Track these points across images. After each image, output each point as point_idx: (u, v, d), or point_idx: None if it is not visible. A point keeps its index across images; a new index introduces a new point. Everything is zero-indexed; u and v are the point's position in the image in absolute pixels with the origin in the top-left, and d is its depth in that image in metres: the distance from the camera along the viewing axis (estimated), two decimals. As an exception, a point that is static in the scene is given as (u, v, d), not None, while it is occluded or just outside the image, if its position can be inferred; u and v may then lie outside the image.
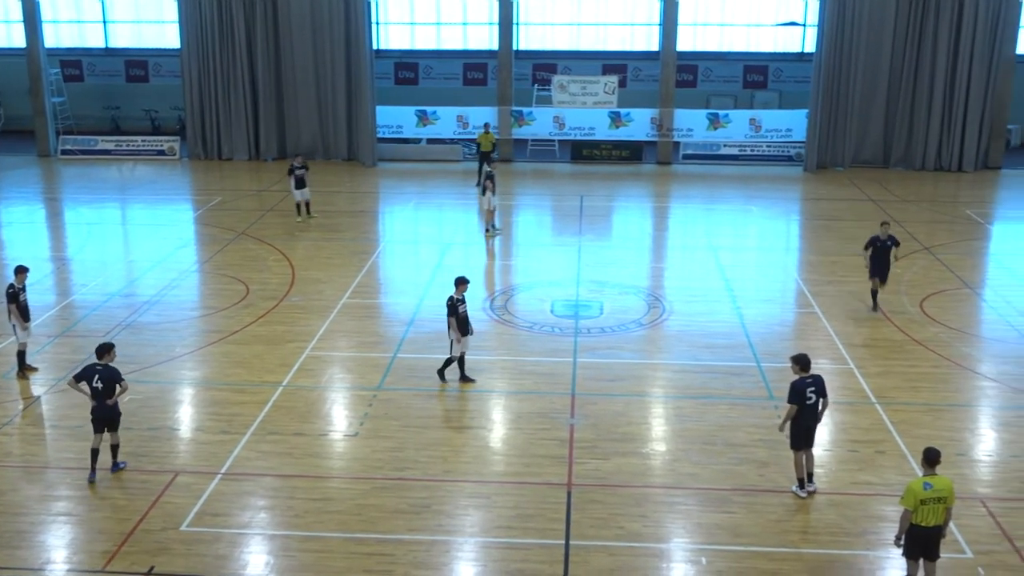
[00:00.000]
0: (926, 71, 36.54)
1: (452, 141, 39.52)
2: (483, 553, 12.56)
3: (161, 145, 39.78)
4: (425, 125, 39.50)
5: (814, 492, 13.90)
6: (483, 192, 27.51)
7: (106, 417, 14.04)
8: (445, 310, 17.21)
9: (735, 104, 41.77)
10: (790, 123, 38.53)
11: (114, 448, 14.31)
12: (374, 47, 38.82)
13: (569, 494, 13.86)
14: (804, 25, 41.89)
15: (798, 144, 38.24)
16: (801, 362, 13.81)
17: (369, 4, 37.50)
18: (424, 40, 44.01)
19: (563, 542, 12.70)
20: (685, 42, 40.15)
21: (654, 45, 40.72)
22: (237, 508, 13.48)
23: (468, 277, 17.76)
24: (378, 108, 38.24)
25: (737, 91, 43.05)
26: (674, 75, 38.37)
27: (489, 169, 27.95)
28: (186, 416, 16.41)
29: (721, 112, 39.13)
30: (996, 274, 24.63)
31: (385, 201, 33.36)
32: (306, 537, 12.80)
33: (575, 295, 22.50)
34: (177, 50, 38.97)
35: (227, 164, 38.40)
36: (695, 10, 41.47)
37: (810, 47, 39.96)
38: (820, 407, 13.75)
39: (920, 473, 11.34)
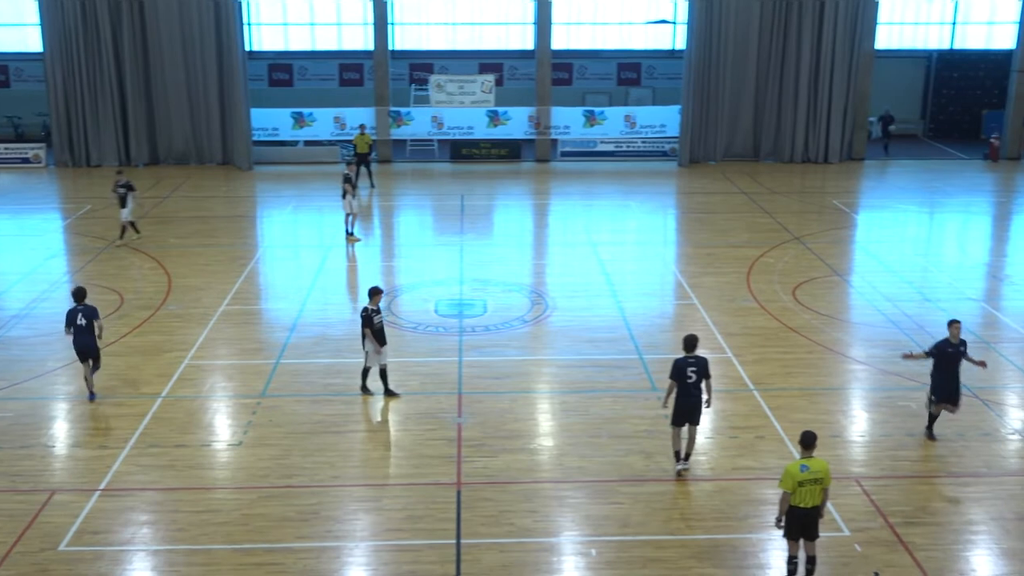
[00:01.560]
0: (791, 67, 37.73)
1: (330, 143, 39.10)
2: (374, 557, 12.51)
3: (26, 152, 38.28)
4: (301, 127, 39.00)
5: (686, 471, 14.34)
6: (344, 195, 27.09)
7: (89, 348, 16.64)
8: (339, 314, 17.06)
9: (610, 101, 42.41)
10: (664, 119, 39.30)
11: (95, 369, 16.94)
12: (247, 48, 38.12)
13: (459, 493, 13.90)
14: (674, 23, 42.76)
15: (672, 140, 39.03)
16: (686, 342, 14.30)
17: (240, 5, 36.83)
18: (298, 41, 43.41)
19: (454, 541, 12.73)
20: (559, 40, 40.58)
21: (529, 44, 40.98)
22: (118, 525, 13.12)
23: (381, 287, 17.31)
24: (253, 110, 37.57)
25: (611, 88, 43.71)
26: (550, 73, 38.75)
27: (348, 172, 27.48)
28: (61, 432, 15.87)
29: (597, 109, 39.68)
30: (863, 261, 25.60)
31: (263, 205, 32.83)
32: (191, 551, 12.53)
33: (459, 294, 22.55)
34: (40, 54, 37.56)
35: (96, 171, 37.17)
36: (568, 9, 41.93)
37: (681, 44, 40.81)
38: (703, 387, 14.19)
39: (798, 456, 11.73)
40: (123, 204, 26.28)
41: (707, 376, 14.26)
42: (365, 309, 16.70)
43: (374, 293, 16.86)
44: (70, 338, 16.73)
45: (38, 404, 16.74)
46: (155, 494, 13.90)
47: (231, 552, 12.49)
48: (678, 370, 14.14)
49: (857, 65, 37.75)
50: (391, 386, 17.03)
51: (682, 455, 14.38)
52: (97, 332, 16.80)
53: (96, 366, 17.00)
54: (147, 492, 13.93)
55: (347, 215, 27.21)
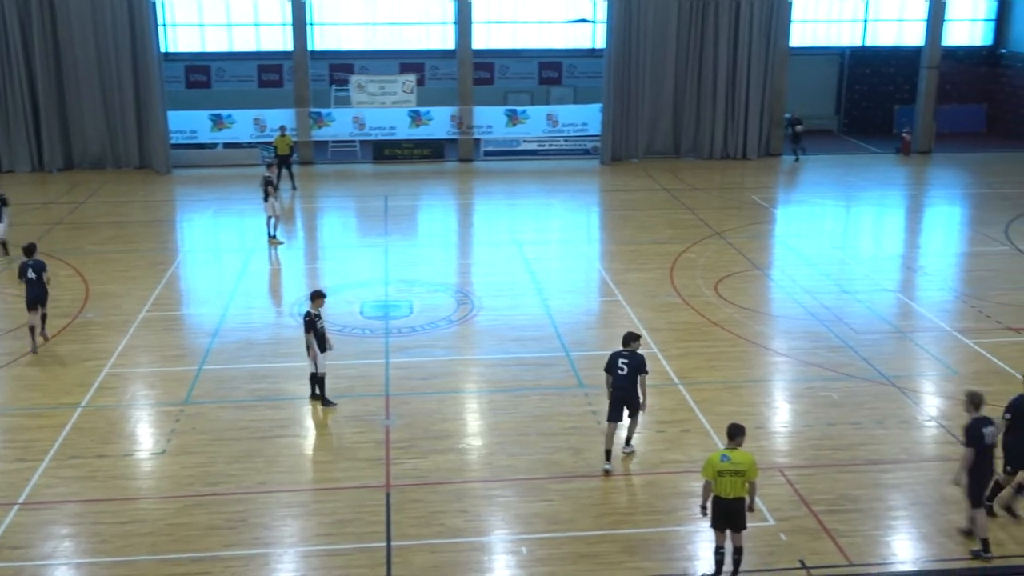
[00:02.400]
0: (709, 65, 38.27)
1: (250, 145, 38.57)
2: (304, 562, 12.39)
3: (-69, 159, 37.10)
4: (220, 129, 38.42)
5: (632, 453, 14.90)
6: (265, 198, 26.77)
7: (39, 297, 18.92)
8: (263, 319, 16.85)
9: (532, 100, 42.55)
10: (585, 117, 39.56)
11: (43, 317, 19.15)
12: (162, 50, 37.44)
13: (388, 495, 13.84)
14: (594, 22, 43.05)
15: (594, 138, 39.30)
16: (624, 338, 14.76)
17: (154, 5, 36.16)
18: (215, 42, 42.73)
19: (384, 544, 12.68)
20: (480, 40, 40.57)
21: (450, 43, 40.91)
22: (39, 539, 12.80)
23: (324, 291, 17.09)
24: (170, 113, 36.87)
25: (533, 87, 43.85)
26: (471, 73, 38.75)
27: (268, 174, 27.12)
28: (-24, 446, 15.45)
29: (519, 109, 39.79)
30: (782, 255, 26.06)
31: (183, 209, 32.29)
32: (116, 563, 12.29)
33: (384, 296, 22.44)
34: (-56, 57, 36.44)
35: (7, 177, 36.11)
36: (489, 8, 41.96)
37: (601, 43, 41.09)
38: (636, 380, 14.42)
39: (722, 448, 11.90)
40: None
41: (642, 372, 14.47)
42: (308, 314, 16.47)
43: (317, 296, 16.63)
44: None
45: (-49, 417, 16.27)
46: (76, 506, 13.59)
47: (157, 563, 12.27)
48: (611, 362, 14.51)
49: (773, 63, 38.45)
50: (327, 396, 16.77)
51: (611, 454, 14.50)
52: (46, 280, 19.15)
53: (44, 313, 19.23)
54: (68, 504, 13.63)
55: (269, 218, 26.90)
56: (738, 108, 38.57)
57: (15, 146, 36.44)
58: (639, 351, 14.71)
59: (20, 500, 13.67)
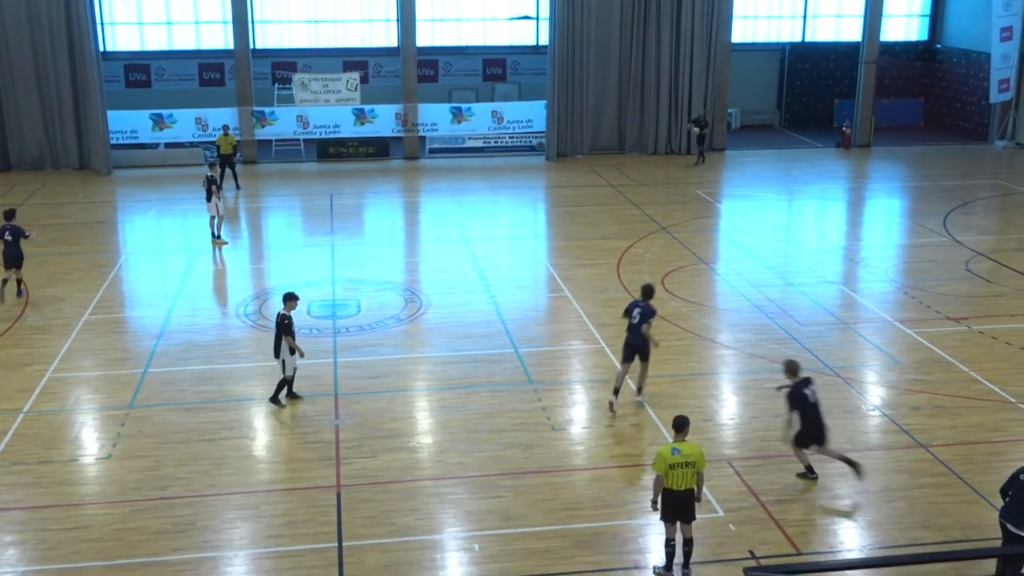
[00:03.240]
0: (652, 60, 38.52)
1: (192, 144, 38.09)
2: (254, 565, 12.31)
3: None
4: (162, 129, 37.89)
5: (643, 402, 16.50)
6: (208, 198, 26.48)
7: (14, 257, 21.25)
8: (208, 320, 16.66)
9: (477, 97, 42.50)
10: (530, 114, 39.60)
11: (19, 282, 21.54)
12: (100, 48, 36.83)
13: (339, 495, 13.79)
14: (537, 19, 43.12)
15: (539, 134, 39.37)
16: (643, 290, 16.78)
17: (91, 3, 35.56)
18: (155, 40, 42.15)
19: (336, 544, 12.63)
20: (424, 37, 40.48)
21: (393, 41, 40.80)
22: (-19, 547, 12.58)
23: (297, 294, 16.95)
24: (109, 112, 36.28)
25: (478, 84, 43.79)
26: (415, 70, 38.62)
27: (211, 174, 26.84)
28: (-85, 454, 15.11)
29: (464, 106, 39.72)
30: (727, 248, 26.33)
31: (124, 210, 31.80)
32: (62, 570, 12.12)
33: (331, 295, 22.32)
34: None
35: (-58, 179, 35.43)
36: (432, 5, 41.87)
37: (544, 40, 41.18)
38: (643, 327, 16.21)
39: (672, 441, 12.01)
40: None
41: (650, 316, 16.29)
42: (281, 316, 16.37)
43: (290, 299, 16.53)
44: None
45: None
46: (20, 513, 13.37)
47: (105, 568, 12.11)
48: (627, 310, 16.61)
49: (715, 58, 38.78)
50: (281, 396, 16.69)
51: (619, 391, 16.26)
52: (28, 234, 21.76)
53: (19, 272, 21.64)
54: (11, 512, 13.39)
55: (212, 217, 26.62)
56: (681, 103, 38.86)
57: (-51, 147, 35.64)
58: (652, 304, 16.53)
59: (-38, 509, 13.41)
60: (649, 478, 13.58)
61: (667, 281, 22.96)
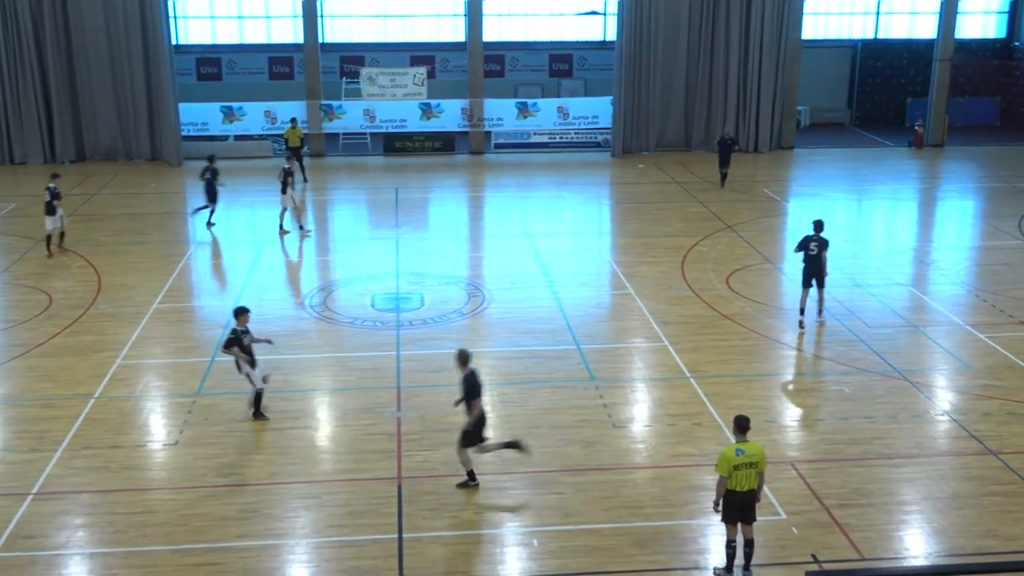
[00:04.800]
0: (720, 56, 38.18)
1: (261, 137, 38.65)
2: (316, 554, 12.43)
3: (-56, 150, 37.25)
4: (232, 121, 38.49)
5: (823, 323, 19.63)
6: (284, 190, 26.81)
7: None
8: (274, 310, 16.85)
9: (542, 93, 42.49)
10: (596, 110, 39.50)
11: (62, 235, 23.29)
12: (173, 42, 37.49)
13: (400, 487, 13.87)
14: (605, 14, 42.97)
15: (604, 130, 39.25)
16: (815, 225, 19.88)
17: (165, -2, 36.26)
18: (226, 34, 42.81)
19: (396, 536, 12.71)
20: (491, 32, 40.58)
21: (461, 36, 40.93)
22: (52, 528, 12.86)
23: (248, 307, 16.21)
24: (181, 105, 36.98)
25: (544, 80, 43.79)
26: (482, 65, 38.72)
27: (287, 166, 27.24)
28: (-10, 436, 15.53)
29: (529, 101, 39.75)
30: (793, 248, 25.93)
31: (194, 201, 32.28)
32: (129, 553, 12.34)
33: (395, 288, 22.46)
34: (-43, 49, 36.56)
35: (20, 168, 36.32)
36: (499, 0, 41.93)
37: (611, 35, 41.02)
38: (824, 258, 19.42)
39: (734, 441, 11.88)
40: (50, 211, 24.71)
41: (825, 249, 19.45)
42: (233, 331, 15.75)
43: (241, 313, 15.86)
44: None
45: (-35, 408, 16.35)
46: (90, 496, 13.65)
47: (170, 553, 12.33)
48: (802, 243, 19.63)
49: (785, 55, 38.32)
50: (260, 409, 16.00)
51: (804, 311, 19.57)
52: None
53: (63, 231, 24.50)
54: (82, 495, 13.69)
55: (284, 209, 26.92)
56: (750, 101, 38.46)
57: (28, 138, 36.58)
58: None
59: (34, 490, 13.73)
60: (710, 478, 13.46)
61: (732, 280, 22.74)
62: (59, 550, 12.43)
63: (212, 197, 27.89)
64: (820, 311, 19.90)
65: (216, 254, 26.16)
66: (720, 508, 11.74)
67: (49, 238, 24.94)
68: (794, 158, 38.22)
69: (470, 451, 13.79)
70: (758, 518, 11.83)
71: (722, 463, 11.53)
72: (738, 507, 11.64)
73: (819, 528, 12.87)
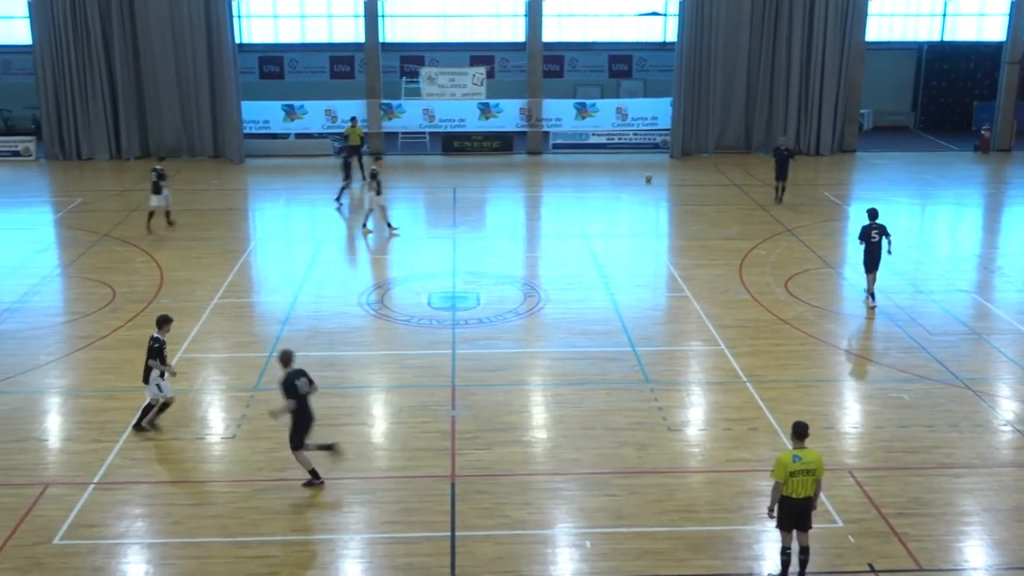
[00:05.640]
0: (783, 58, 37.78)
1: (321, 135, 39.04)
2: (369, 549, 12.51)
3: (16, 146, 38.15)
4: (293, 120, 38.91)
5: (874, 307, 20.63)
6: (368, 190, 27.01)
7: None
8: (332, 308, 16.93)
9: (601, 93, 42.40)
10: (655, 111, 39.31)
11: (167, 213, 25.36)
12: (237, 41, 38.01)
13: (453, 485, 13.91)
14: (665, 15, 42.75)
15: (664, 132, 39.05)
16: (869, 213, 21.07)
17: (230, -3, 36.76)
18: (288, 33, 43.31)
19: (449, 534, 12.74)
20: (551, 33, 40.56)
21: (520, 36, 40.98)
22: (112, 518, 13.10)
23: (171, 316, 15.86)
24: (244, 103, 37.47)
25: (603, 81, 43.70)
26: (541, 66, 38.73)
27: (375, 167, 27.44)
28: (54, 426, 15.84)
29: (588, 102, 39.68)
30: (855, 253, 25.50)
31: (255, 198, 32.76)
32: (186, 544, 12.53)
33: (451, 287, 22.54)
34: (28, 46, 37.42)
35: (87, 164, 37.10)
36: (559, 1, 41.90)
37: (672, 36, 40.80)
38: (884, 245, 20.57)
39: (790, 447, 11.74)
40: (155, 191, 26.90)
41: (888, 235, 20.61)
42: (156, 339, 15.23)
43: (164, 322, 15.45)
44: None
45: (31, 398, 16.70)
46: (149, 487, 13.88)
47: (226, 545, 12.48)
48: (864, 232, 20.75)
49: (848, 57, 37.82)
50: (154, 419, 15.54)
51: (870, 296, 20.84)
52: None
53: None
54: (141, 485, 13.91)
55: (382, 208, 27.08)
56: (812, 103, 38.02)
57: (95, 135, 37.33)
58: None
59: (95, 480, 13.99)
60: (765, 483, 13.32)
61: (791, 284, 22.49)
62: (118, 539, 12.65)
63: (347, 175, 29.60)
64: (873, 293, 20.88)
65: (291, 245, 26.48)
66: (775, 514, 11.61)
67: (151, 215, 26.97)
68: (856, 162, 37.70)
69: (303, 452, 13.86)
70: (814, 525, 11.69)
71: (778, 469, 11.40)
72: (794, 514, 11.51)
73: (876, 537, 12.67)
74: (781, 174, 30.07)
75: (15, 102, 41.87)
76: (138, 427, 15.46)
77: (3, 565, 11.99)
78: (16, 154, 37.90)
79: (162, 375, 15.34)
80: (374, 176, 27.03)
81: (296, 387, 13.63)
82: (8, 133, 40.90)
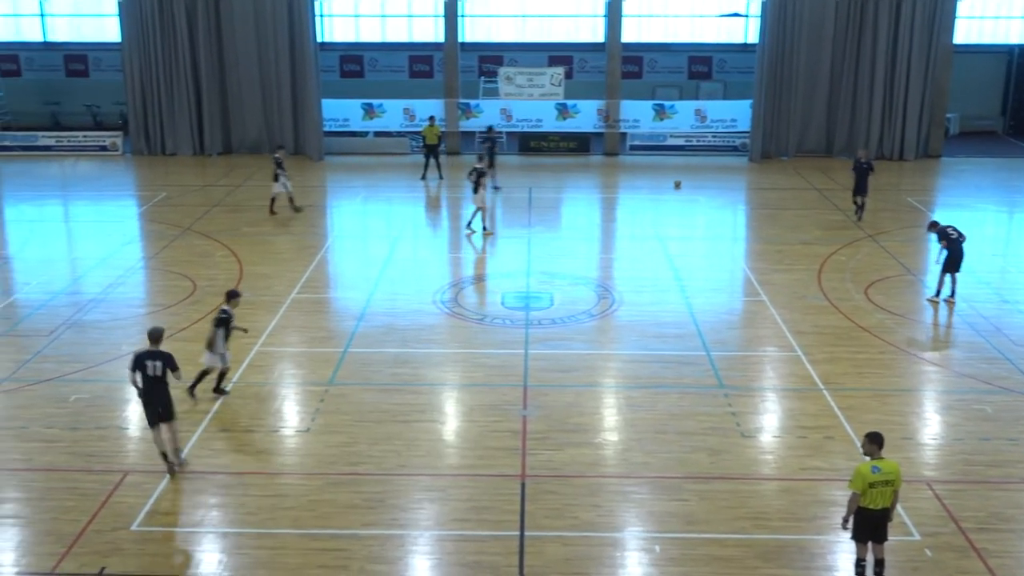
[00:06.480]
0: (867, 61, 37.09)
1: (399, 134, 39.37)
2: (438, 546, 12.57)
3: (103, 141, 39.16)
4: (372, 118, 39.31)
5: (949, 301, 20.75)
6: (475, 190, 27.11)
7: None
8: (407, 305, 17.05)
9: (680, 95, 42.06)
10: (735, 113, 38.89)
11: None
12: (318, 40, 38.51)
13: (523, 485, 13.91)
14: (747, 16, 42.27)
15: (743, 134, 38.62)
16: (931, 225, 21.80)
17: (313, -3, 37.26)
18: (369, 33, 43.76)
19: (518, 533, 12.74)
20: (630, 33, 40.36)
21: (599, 36, 40.85)
22: (189, 506, 13.36)
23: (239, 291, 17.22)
24: (324, 101, 37.95)
25: (682, 82, 43.36)
26: (620, 66, 38.55)
27: (479, 166, 27.48)
28: (135, 415, 16.15)
29: (667, 103, 39.40)
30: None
31: (333, 195, 33.14)
32: (259, 534, 12.71)
33: (525, 287, 22.55)
34: (117, 44, 38.37)
35: (171, 159, 37.92)
36: (639, 1, 41.67)
37: (753, 38, 40.33)
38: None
39: (867, 458, 11.50)
40: (275, 179, 28.58)
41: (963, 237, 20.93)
42: (224, 311, 16.39)
43: (233, 296, 16.73)
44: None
45: (113, 387, 17.10)
46: (225, 477, 14.12)
47: (298, 537, 12.65)
48: (942, 234, 21.12)
49: (935, 60, 36.96)
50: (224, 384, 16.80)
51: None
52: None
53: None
54: (217, 475, 14.16)
55: (477, 210, 27.20)
56: (896, 107, 37.27)
57: (179, 131, 38.14)
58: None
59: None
60: (840, 493, 13.12)
61: (871, 291, 22.07)
62: (194, 527, 12.90)
63: (492, 162, 30.83)
64: (953, 292, 21.21)
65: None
66: (849, 525, 11.40)
67: (273, 200, 28.84)
68: (941, 167, 36.87)
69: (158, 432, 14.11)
70: (890, 537, 11.45)
71: (856, 480, 11.17)
72: (871, 526, 11.29)
73: (954, 552, 12.37)
74: (861, 188, 28.17)
75: (104, 98, 42.99)
76: (191, 392, 16.32)
77: (83, 549, 12.31)
78: (104, 149, 38.91)
79: (226, 337, 16.25)
80: (482, 174, 27.05)
81: (145, 366, 13.86)
82: (97, 128, 42.00)
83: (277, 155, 29.01)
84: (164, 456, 14.07)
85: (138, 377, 13.91)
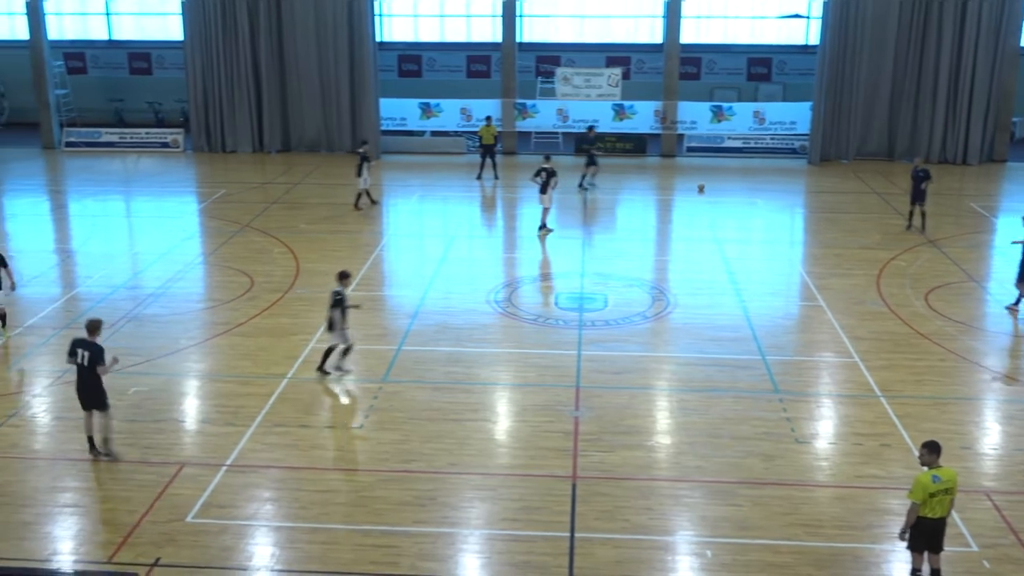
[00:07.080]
0: (930, 63, 36.50)
1: (456, 134, 39.50)
2: (488, 545, 12.58)
3: (165, 138, 39.80)
4: (429, 118, 39.49)
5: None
6: (543, 190, 27.13)
7: None
8: (461, 304, 17.10)
9: (739, 97, 41.71)
10: (794, 116, 38.48)
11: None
12: (377, 39, 38.78)
13: (574, 486, 13.88)
14: (808, 17, 41.80)
15: (802, 137, 38.19)
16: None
17: (372, -4, 37.54)
18: (427, 32, 43.97)
19: (568, 534, 12.72)
20: (688, 34, 40.10)
21: (658, 37, 40.64)
22: (243, 500, 13.51)
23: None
24: (382, 100, 38.21)
25: (741, 84, 42.99)
26: (678, 67, 38.32)
27: (548, 166, 27.45)
28: (191, 408, 16.44)
29: (725, 105, 39.08)
30: (1001, 267, 24.57)
31: (389, 194, 33.32)
32: (312, 529, 12.83)
33: (579, 288, 22.50)
34: (180, 42, 38.96)
35: (231, 157, 38.42)
36: (698, 2, 41.39)
37: (814, 40, 39.88)
38: None
39: (925, 468, 11.28)
40: (358, 173, 29.22)
41: None
42: (337, 292, 17.19)
43: (344, 276, 17.53)
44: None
45: (171, 380, 17.36)
46: (279, 472, 14.26)
47: (350, 532, 12.74)
48: None
49: (1001, 63, 36.25)
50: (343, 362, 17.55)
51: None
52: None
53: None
54: (271, 470, 14.31)
55: (545, 208, 27.24)
56: (960, 110, 36.61)
57: (239, 129, 38.62)
58: None
59: (228, 462, 14.45)
60: (896, 502, 12.92)
61: (931, 298, 21.70)
62: (248, 520, 13.03)
63: (592, 160, 32.20)
64: (1017, 301, 20.77)
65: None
66: (907, 536, 11.20)
67: (359, 196, 29.58)
68: (1006, 172, 36.16)
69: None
70: (947, 548, 11.25)
71: (917, 490, 10.96)
72: (928, 535, 11.10)
73: (1013, 564, 12.11)
74: (918, 196, 27.03)
75: (166, 95, 43.71)
76: (321, 370, 17.33)
77: (139, 539, 12.50)
78: (165, 145, 39.54)
79: (343, 315, 17.05)
80: (552, 174, 27.04)
81: (76, 354, 14.27)
82: (159, 125, 42.70)
83: (362, 150, 29.81)
84: (90, 440, 14.53)
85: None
